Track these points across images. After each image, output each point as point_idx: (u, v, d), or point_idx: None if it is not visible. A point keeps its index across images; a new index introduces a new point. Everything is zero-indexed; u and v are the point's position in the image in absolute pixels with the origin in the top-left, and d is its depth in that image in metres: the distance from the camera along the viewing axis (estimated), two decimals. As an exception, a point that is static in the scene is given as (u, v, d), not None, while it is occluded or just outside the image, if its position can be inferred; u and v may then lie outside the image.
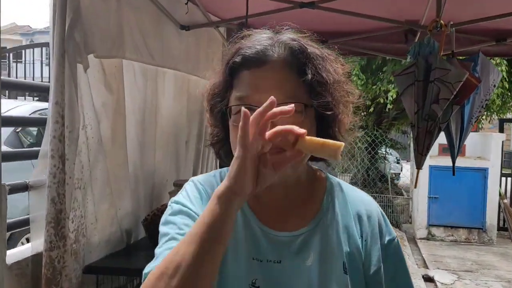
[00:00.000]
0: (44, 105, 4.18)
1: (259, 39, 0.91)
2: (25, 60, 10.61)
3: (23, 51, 11.10)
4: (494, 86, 2.73)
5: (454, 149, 2.74)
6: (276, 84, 0.86)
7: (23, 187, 1.96)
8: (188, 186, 0.98)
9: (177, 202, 0.94)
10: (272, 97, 0.73)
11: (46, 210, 1.86)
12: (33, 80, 9.15)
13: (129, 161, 2.46)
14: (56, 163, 1.85)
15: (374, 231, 0.97)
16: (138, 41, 2.44)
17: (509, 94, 8.59)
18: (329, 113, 0.89)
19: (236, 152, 0.75)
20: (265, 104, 0.72)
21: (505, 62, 7.71)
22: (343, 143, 0.74)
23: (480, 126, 9.36)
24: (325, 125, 0.91)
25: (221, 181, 0.79)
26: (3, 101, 2.28)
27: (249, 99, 0.86)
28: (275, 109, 0.72)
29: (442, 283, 5.53)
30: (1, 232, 1.70)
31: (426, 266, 6.21)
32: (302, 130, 0.74)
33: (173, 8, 2.77)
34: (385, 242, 0.97)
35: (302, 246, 0.92)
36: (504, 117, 9.86)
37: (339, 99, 0.91)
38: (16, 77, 8.42)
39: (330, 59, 0.93)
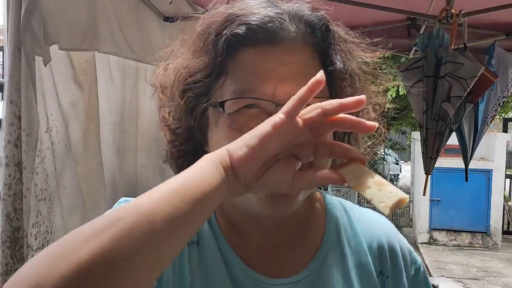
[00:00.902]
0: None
1: (260, 4, 0.62)
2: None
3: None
4: (513, 81, 2.47)
5: (467, 152, 2.48)
6: (298, 72, 0.58)
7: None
8: None
9: (127, 201, 0.63)
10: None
11: (0, 228, 1.60)
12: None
13: (105, 167, 2.20)
14: (11, 173, 1.58)
15: (398, 264, 0.74)
16: (116, 33, 2.18)
17: None
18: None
19: (270, 118, 0.51)
20: (344, 100, 0.51)
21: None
22: (408, 197, 0.50)
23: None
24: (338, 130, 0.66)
25: None
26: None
27: (256, 92, 0.58)
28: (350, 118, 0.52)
29: (447, 292, 5.29)
30: None
31: (429, 274, 5.95)
32: (362, 156, 0.52)
33: (155, -3, 2.51)
34: (411, 274, 0.75)
35: None
36: (506, 116, 9.64)
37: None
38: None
39: (355, 42, 0.67)
